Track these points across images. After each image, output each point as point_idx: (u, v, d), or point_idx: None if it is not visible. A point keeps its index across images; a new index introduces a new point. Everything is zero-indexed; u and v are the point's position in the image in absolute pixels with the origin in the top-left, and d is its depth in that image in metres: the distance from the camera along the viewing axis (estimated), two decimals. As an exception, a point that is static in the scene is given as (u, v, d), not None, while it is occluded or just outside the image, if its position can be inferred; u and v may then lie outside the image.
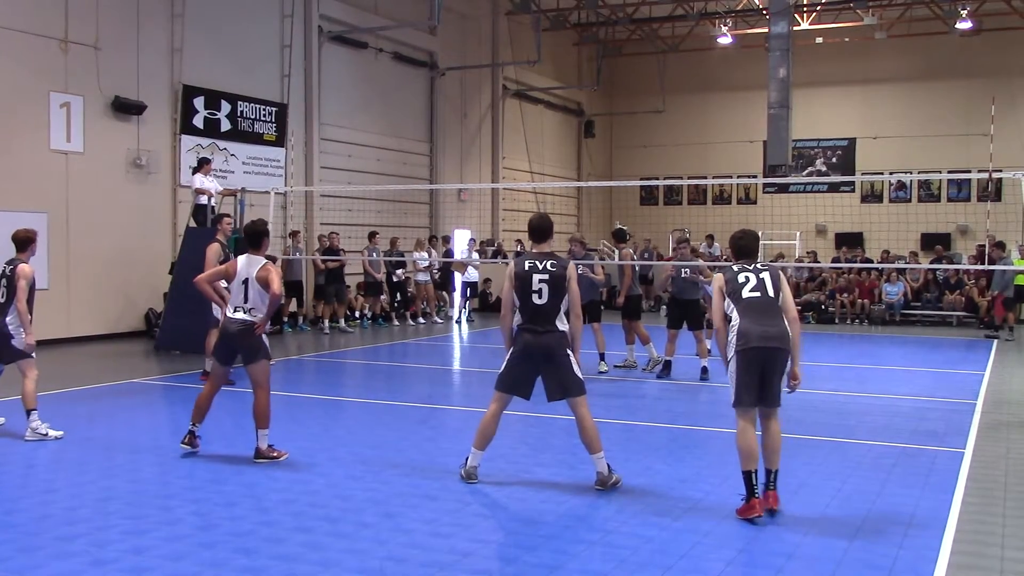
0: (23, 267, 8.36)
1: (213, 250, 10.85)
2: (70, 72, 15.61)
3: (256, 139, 19.24)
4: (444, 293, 22.37)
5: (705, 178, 28.88)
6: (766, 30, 23.57)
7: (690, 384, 12.06)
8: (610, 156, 33.91)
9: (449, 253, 22.65)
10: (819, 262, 23.98)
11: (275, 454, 7.47)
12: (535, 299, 6.57)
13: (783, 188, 29.37)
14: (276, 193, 17.55)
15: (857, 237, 27.81)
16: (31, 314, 8.40)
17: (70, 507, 6.11)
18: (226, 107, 18.52)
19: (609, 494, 6.54)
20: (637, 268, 13.86)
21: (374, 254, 19.31)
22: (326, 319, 18.38)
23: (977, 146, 25.92)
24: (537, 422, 8.96)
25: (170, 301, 14.79)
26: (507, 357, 6.76)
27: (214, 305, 9.43)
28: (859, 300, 22.18)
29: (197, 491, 6.57)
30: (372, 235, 19.51)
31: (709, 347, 12.28)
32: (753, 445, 6.01)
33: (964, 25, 25.76)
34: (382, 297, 20.08)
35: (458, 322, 21.11)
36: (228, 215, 12.36)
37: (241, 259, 7.62)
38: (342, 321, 18.62)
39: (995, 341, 17.82)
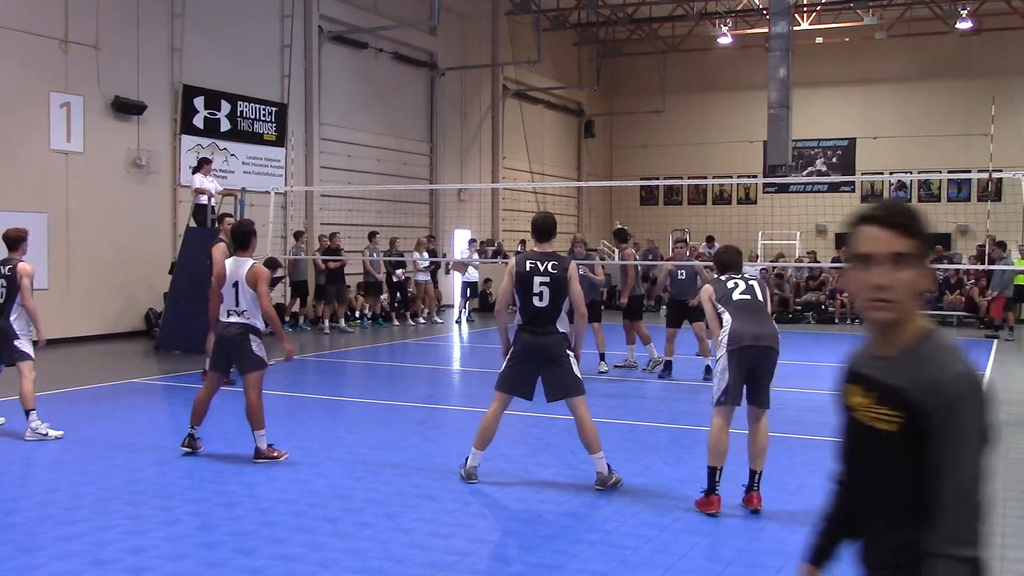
0: (24, 265, 8.36)
1: (220, 250, 10.88)
2: (70, 72, 15.61)
3: (256, 139, 19.24)
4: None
5: (705, 178, 28.89)
6: (766, 30, 23.61)
7: (691, 384, 12.06)
8: (610, 156, 33.91)
9: (433, 252, 22.37)
10: (819, 262, 23.97)
11: (275, 454, 7.47)
12: (536, 301, 6.57)
13: (783, 188, 29.36)
14: (276, 193, 17.56)
15: (857, 237, 27.76)
16: (28, 323, 8.44)
17: (70, 507, 6.11)
18: (226, 107, 18.52)
19: (609, 494, 6.54)
20: (639, 268, 13.86)
21: (374, 254, 19.31)
22: (326, 319, 18.39)
23: (977, 146, 25.93)
24: (537, 422, 8.95)
25: (170, 301, 14.79)
26: (507, 357, 6.76)
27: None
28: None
29: (197, 491, 6.57)
30: (372, 235, 19.51)
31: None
32: (724, 444, 6.05)
33: (964, 25, 25.78)
34: (382, 297, 20.08)
35: (458, 322, 21.10)
36: (229, 215, 12.38)
37: (229, 261, 7.59)
38: (342, 321, 18.63)
39: (995, 341, 17.81)
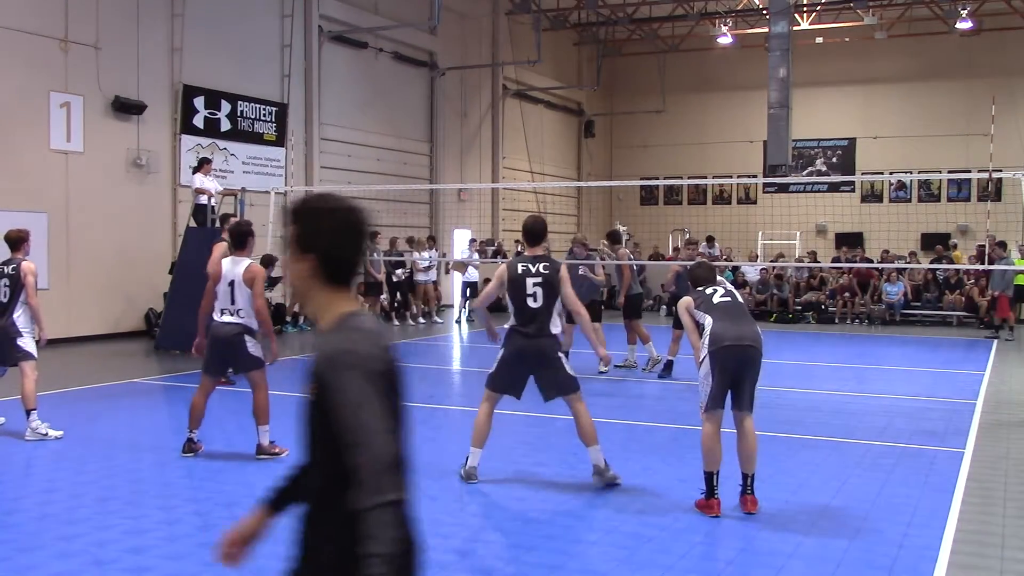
0: (28, 264, 8.39)
1: (220, 248, 10.93)
2: (70, 72, 15.61)
3: (256, 139, 19.24)
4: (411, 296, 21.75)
5: (705, 178, 28.87)
6: (766, 30, 23.58)
7: (692, 384, 12.04)
8: (610, 156, 33.90)
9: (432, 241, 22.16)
10: (819, 262, 23.97)
11: (277, 450, 7.48)
12: (530, 303, 6.63)
13: (783, 188, 29.36)
14: (276, 193, 17.55)
15: (857, 237, 27.80)
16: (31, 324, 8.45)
17: (70, 507, 6.11)
18: (226, 107, 18.52)
19: (609, 494, 6.54)
20: (635, 267, 13.85)
21: (374, 254, 19.31)
22: (326, 319, 18.34)
23: (977, 146, 25.91)
24: (537, 422, 8.96)
25: (170, 301, 14.79)
26: (499, 358, 6.82)
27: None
28: (860, 299, 22.17)
29: (197, 491, 6.57)
30: (373, 235, 19.50)
31: None
32: (717, 449, 6.12)
33: (964, 25, 25.76)
34: (382, 297, 20.07)
35: (458, 322, 21.10)
36: (234, 215, 12.46)
37: (226, 261, 7.56)
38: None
39: (995, 341, 17.81)
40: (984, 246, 18.28)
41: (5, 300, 8.36)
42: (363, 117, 22.31)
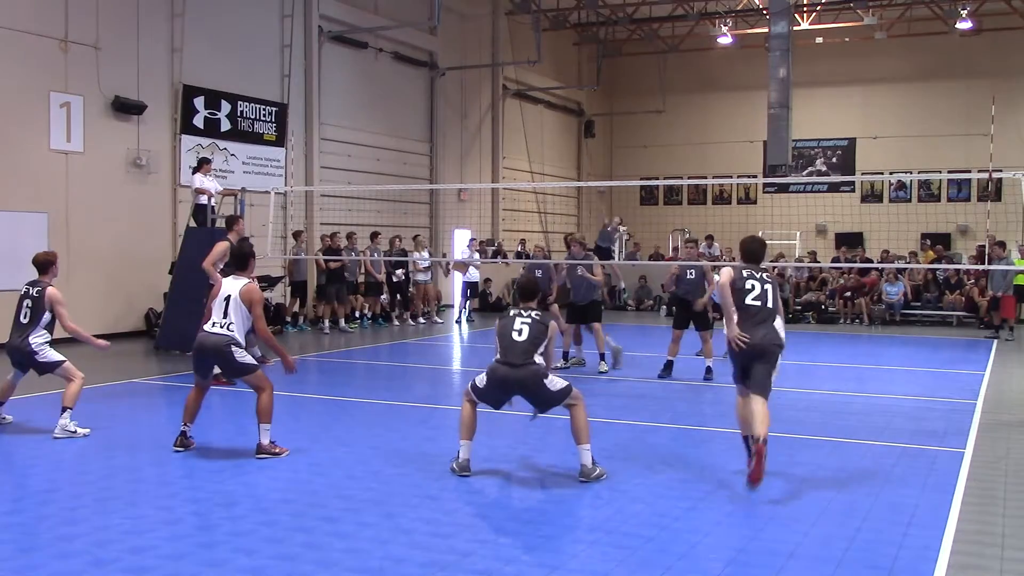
0: (53, 291, 8.61)
1: (222, 246, 11.11)
2: (70, 72, 15.61)
3: (256, 139, 19.24)
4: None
5: (705, 178, 28.88)
6: (766, 30, 23.59)
7: (692, 384, 12.06)
8: (610, 156, 33.90)
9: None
10: (819, 262, 23.97)
11: (277, 450, 7.49)
12: (515, 336, 6.87)
13: (783, 188, 29.37)
14: (276, 193, 17.53)
15: (857, 237, 27.81)
16: (51, 335, 8.74)
17: (70, 507, 6.11)
18: (226, 107, 18.52)
19: (609, 494, 6.54)
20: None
21: (374, 254, 19.31)
22: (326, 319, 18.38)
23: (977, 146, 25.93)
24: (537, 422, 8.94)
25: (170, 301, 14.79)
26: (486, 375, 6.98)
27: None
28: (860, 299, 22.17)
29: (197, 491, 6.57)
30: (373, 235, 19.52)
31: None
32: (746, 415, 6.79)
33: (964, 25, 25.77)
34: (382, 297, 20.07)
35: (458, 322, 21.10)
36: (241, 217, 12.68)
37: (227, 280, 7.77)
38: (342, 321, 18.62)
39: (995, 341, 17.81)
40: (984, 246, 18.27)
41: (25, 321, 8.54)
42: (363, 117, 22.31)
